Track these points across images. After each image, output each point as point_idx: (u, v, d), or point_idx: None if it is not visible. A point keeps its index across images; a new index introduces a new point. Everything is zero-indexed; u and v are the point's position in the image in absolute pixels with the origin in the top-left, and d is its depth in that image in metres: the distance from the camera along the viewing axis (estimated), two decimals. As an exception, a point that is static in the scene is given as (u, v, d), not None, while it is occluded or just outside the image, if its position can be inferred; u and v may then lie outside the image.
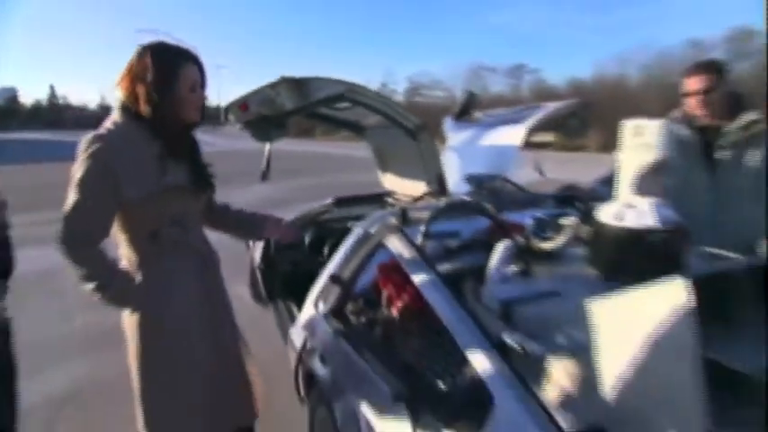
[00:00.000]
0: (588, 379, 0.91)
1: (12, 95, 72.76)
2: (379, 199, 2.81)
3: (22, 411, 1.50)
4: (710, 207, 1.78)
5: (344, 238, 1.83)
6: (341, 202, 2.64)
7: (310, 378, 1.65)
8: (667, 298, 0.76)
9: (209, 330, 1.37)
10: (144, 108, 1.21)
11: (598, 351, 0.88)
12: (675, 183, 1.67)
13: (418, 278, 1.28)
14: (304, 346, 1.62)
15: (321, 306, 1.67)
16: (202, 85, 1.32)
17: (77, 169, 1.16)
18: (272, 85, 1.85)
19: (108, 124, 1.23)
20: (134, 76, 1.22)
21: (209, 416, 1.38)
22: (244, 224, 1.63)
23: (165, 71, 1.21)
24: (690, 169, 1.82)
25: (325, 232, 2.47)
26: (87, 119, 53.22)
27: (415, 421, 1.05)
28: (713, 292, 0.99)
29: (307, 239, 2.50)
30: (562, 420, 0.87)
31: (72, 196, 1.16)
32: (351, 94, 1.88)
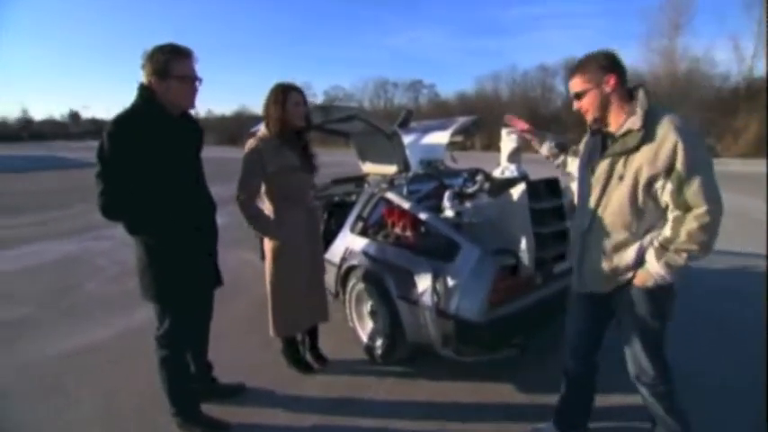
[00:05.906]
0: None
1: None
2: (361, 179, 4.00)
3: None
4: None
5: (335, 205, 3.05)
6: (337, 182, 3.77)
7: (345, 277, 2.78)
8: (518, 188, 2.15)
9: (310, 251, 2.35)
10: (272, 125, 2.18)
11: (502, 219, 2.24)
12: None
13: (409, 207, 2.55)
14: (344, 255, 2.76)
15: (353, 233, 2.83)
16: (304, 102, 2.24)
17: (245, 155, 2.12)
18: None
19: (259, 133, 2.21)
20: (266, 106, 2.18)
21: (308, 308, 2.38)
22: None
23: (281, 100, 2.17)
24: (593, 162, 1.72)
25: (324, 201, 3.55)
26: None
27: (429, 260, 2.28)
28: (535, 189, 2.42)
29: None
30: (490, 253, 2.18)
31: (242, 171, 2.11)
32: (359, 113, 3.03)
